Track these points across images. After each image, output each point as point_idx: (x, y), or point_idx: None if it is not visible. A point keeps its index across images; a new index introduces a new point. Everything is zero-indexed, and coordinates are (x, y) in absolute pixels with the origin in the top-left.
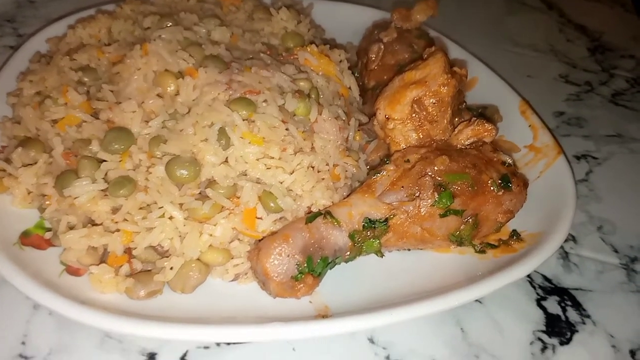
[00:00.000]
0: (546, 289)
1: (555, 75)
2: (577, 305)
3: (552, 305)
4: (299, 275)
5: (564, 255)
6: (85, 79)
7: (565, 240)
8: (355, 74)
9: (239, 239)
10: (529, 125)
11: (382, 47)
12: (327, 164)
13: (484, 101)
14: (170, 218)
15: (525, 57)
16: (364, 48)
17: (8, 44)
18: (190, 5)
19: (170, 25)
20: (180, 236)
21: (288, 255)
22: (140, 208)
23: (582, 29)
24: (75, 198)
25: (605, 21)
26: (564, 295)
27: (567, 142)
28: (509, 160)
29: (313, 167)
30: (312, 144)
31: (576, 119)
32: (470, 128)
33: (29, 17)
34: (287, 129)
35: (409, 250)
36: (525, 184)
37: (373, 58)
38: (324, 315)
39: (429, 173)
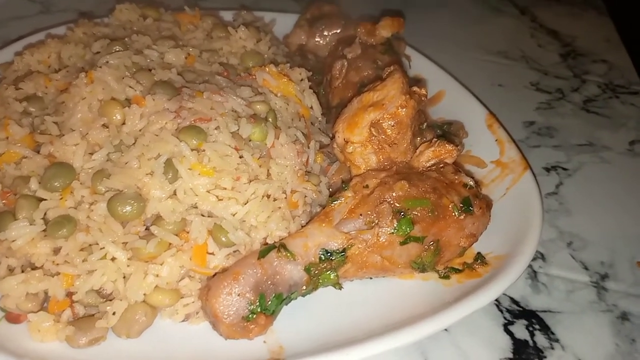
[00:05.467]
0: (514, 312)
1: (526, 84)
2: (546, 329)
3: (520, 329)
4: (250, 316)
5: (533, 274)
6: (31, 109)
7: (534, 259)
8: (321, 91)
9: (189, 276)
10: (496, 140)
11: (346, 63)
12: (284, 192)
13: (451, 115)
14: (113, 259)
15: (496, 65)
16: (329, 64)
17: None
18: (146, 25)
19: (119, 50)
20: (124, 278)
21: (238, 295)
22: (82, 249)
23: (554, 34)
24: (13, 241)
25: (578, 25)
26: (532, 318)
27: (537, 153)
28: (471, 183)
29: (269, 196)
30: (268, 171)
31: (547, 128)
32: (431, 149)
33: None
34: (241, 157)
35: (371, 278)
36: (488, 205)
37: (337, 75)
38: (277, 359)
39: (388, 199)
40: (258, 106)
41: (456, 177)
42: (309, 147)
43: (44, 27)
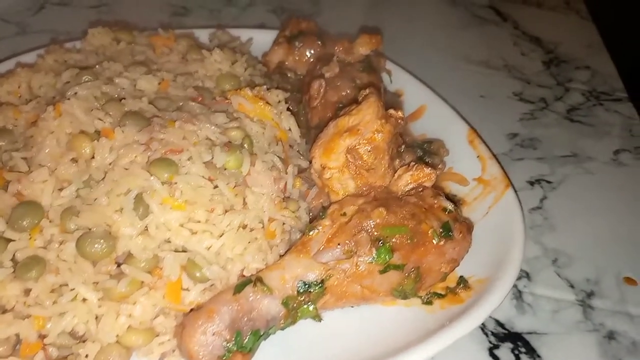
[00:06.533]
0: (499, 335)
1: (509, 94)
2: (532, 352)
3: (506, 353)
4: (227, 355)
5: (518, 294)
6: (0, 144)
7: (519, 278)
8: (302, 110)
9: (164, 313)
10: (477, 156)
11: (324, 83)
12: (261, 221)
13: (433, 130)
14: (84, 300)
15: (478, 75)
16: (307, 83)
17: None
18: (119, 50)
19: (89, 80)
20: (96, 318)
21: (213, 334)
22: (52, 290)
23: (537, 41)
24: None
25: (561, 30)
26: (518, 341)
27: (520, 166)
28: (450, 207)
29: (245, 226)
30: (245, 200)
31: (530, 140)
32: (410, 174)
33: None
34: (215, 186)
35: (352, 306)
36: (469, 228)
37: (315, 95)
38: None
39: (366, 227)
40: (233, 133)
41: (435, 202)
42: (287, 172)
43: (18, 50)
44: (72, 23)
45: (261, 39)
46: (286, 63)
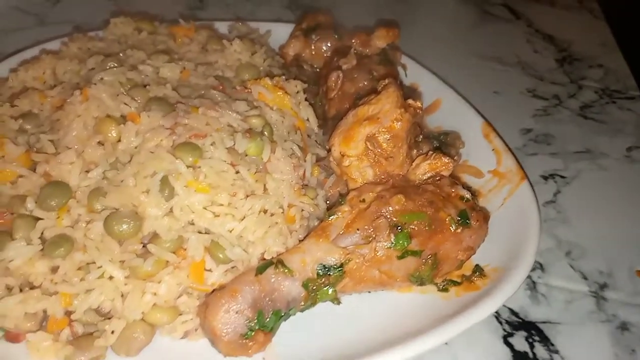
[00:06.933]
0: (513, 324)
1: (522, 90)
2: (545, 340)
3: (520, 341)
4: (249, 333)
5: (532, 285)
6: (27, 127)
7: (533, 269)
8: (318, 102)
9: (187, 293)
10: (493, 150)
11: (341, 74)
12: (281, 206)
13: (448, 124)
14: (110, 278)
15: (492, 72)
16: (324, 75)
17: None
18: (141, 39)
19: (114, 66)
20: (121, 296)
21: (237, 312)
22: (79, 268)
23: (550, 39)
24: (10, 261)
25: (574, 29)
26: (532, 329)
27: (534, 161)
28: (467, 195)
29: (266, 211)
30: (265, 186)
31: (544, 135)
32: (427, 162)
33: None
34: (237, 172)
35: (369, 292)
36: (485, 218)
37: (332, 87)
38: None
39: (385, 214)
40: (254, 120)
41: (453, 190)
42: (305, 161)
43: (40, 39)
44: (90, 14)
45: (278, 32)
46: (303, 55)
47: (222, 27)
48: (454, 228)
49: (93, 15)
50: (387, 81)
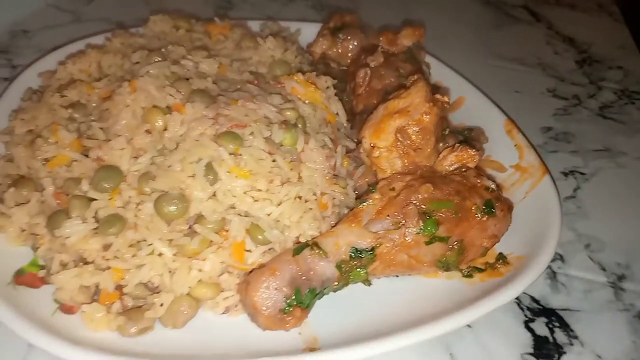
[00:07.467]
0: (534, 310)
1: (542, 90)
2: (565, 326)
3: (540, 326)
4: (287, 308)
5: (552, 275)
6: (76, 116)
7: (553, 260)
8: (345, 98)
9: (228, 272)
10: (515, 145)
11: (369, 71)
12: (315, 194)
13: (471, 121)
14: (160, 255)
15: (513, 72)
16: (352, 72)
17: (2, 75)
18: (179, 36)
19: (158, 60)
20: (170, 272)
21: (276, 289)
22: (130, 245)
23: (570, 41)
24: (67, 238)
25: (594, 31)
26: (552, 316)
27: (554, 158)
28: (492, 186)
29: (300, 198)
30: (299, 174)
31: (564, 134)
32: (454, 154)
33: (22, 47)
34: (274, 161)
35: (397, 276)
36: (509, 208)
37: (360, 83)
38: (312, 348)
39: (414, 201)
40: (288, 113)
41: (478, 181)
42: (336, 152)
43: (77, 36)
44: (123, 12)
45: (304, 31)
46: (329, 53)
47: (254, 25)
48: (479, 216)
49: (125, 13)
50: (416, 76)
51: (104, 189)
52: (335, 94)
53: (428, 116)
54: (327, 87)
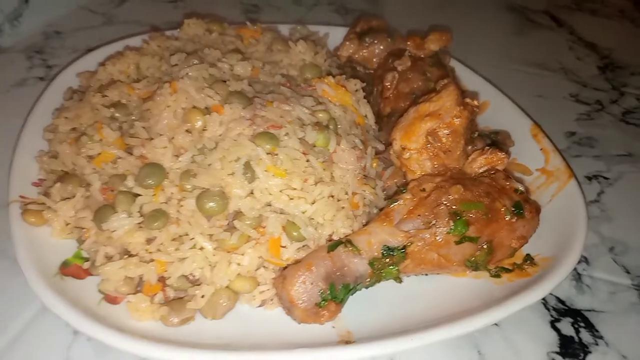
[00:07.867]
0: (560, 310)
1: (565, 95)
2: (590, 327)
3: (566, 326)
4: (322, 302)
5: (577, 277)
6: (118, 115)
7: (578, 262)
8: (371, 101)
9: (264, 267)
10: (541, 149)
11: (397, 75)
12: (347, 193)
13: (496, 124)
14: (201, 249)
15: (536, 77)
16: (379, 76)
17: (38, 75)
18: (213, 39)
19: (197, 63)
20: (210, 265)
21: (311, 283)
22: (173, 239)
23: (592, 47)
24: (113, 231)
25: (615, 37)
26: (577, 316)
27: (578, 162)
28: (521, 188)
29: (333, 197)
30: (332, 174)
31: (587, 138)
32: (484, 157)
33: (56, 48)
34: (307, 160)
35: (427, 275)
36: (537, 210)
37: (388, 86)
38: (347, 340)
39: (444, 202)
40: (320, 115)
41: (507, 183)
42: (366, 153)
43: (109, 38)
44: (153, 15)
45: (331, 35)
46: (355, 57)
47: (284, 30)
48: (508, 218)
49: (155, 16)
50: (447, 80)
51: (149, 185)
52: (365, 97)
53: (459, 119)
54: (356, 90)
